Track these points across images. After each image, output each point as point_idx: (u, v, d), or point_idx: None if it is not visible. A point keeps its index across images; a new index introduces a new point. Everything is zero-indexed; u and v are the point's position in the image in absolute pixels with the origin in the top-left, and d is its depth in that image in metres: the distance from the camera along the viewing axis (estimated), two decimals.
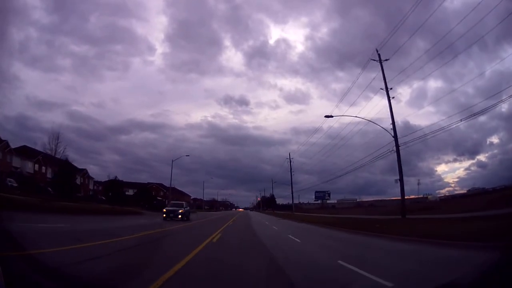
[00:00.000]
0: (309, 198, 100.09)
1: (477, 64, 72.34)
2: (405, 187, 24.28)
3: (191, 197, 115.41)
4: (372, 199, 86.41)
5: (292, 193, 61.26)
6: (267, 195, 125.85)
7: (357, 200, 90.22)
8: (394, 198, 70.13)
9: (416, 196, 66.14)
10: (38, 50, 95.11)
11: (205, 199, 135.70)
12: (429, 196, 62.34)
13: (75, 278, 4.66)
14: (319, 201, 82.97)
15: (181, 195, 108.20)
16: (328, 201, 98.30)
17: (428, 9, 31.57)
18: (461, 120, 21.24)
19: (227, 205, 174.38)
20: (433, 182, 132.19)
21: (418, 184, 75.53)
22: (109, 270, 5.82)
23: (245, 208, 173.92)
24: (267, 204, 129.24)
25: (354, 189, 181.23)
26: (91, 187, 67.49)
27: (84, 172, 60.41)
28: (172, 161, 52.58)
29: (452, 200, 52.47)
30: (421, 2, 22.61)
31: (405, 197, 25.12)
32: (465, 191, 63.67)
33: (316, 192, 76.99)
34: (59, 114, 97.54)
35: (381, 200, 78.49)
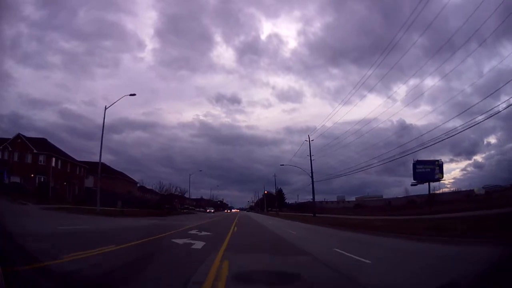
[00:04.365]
0: (304, 198, 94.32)
1: (476, 61, 68.59)
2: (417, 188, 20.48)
3: (138, 185, 67.28)
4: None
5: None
6: (265, 192, 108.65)
7: (383, 197, 79.98)
8: (424, 194, 68.75)
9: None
10: (28, 46, 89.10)
11: (193, 197, 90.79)
12: (475, 190, 59.74)
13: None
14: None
15: (121, 179, 61.09)
16: (345, 199, 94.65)
17: (427, 4, 25.47)
18: (464, 126, 22.00)
19: (218, 204, 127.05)
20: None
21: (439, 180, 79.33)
22: None
23: (240, 209, 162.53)
24: (273, 203, 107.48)
25: (348, 190, 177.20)
26: None
27: None
28: None
29: (496, 193, 46.15)
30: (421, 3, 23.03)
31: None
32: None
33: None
34: (51, 112, 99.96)
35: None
